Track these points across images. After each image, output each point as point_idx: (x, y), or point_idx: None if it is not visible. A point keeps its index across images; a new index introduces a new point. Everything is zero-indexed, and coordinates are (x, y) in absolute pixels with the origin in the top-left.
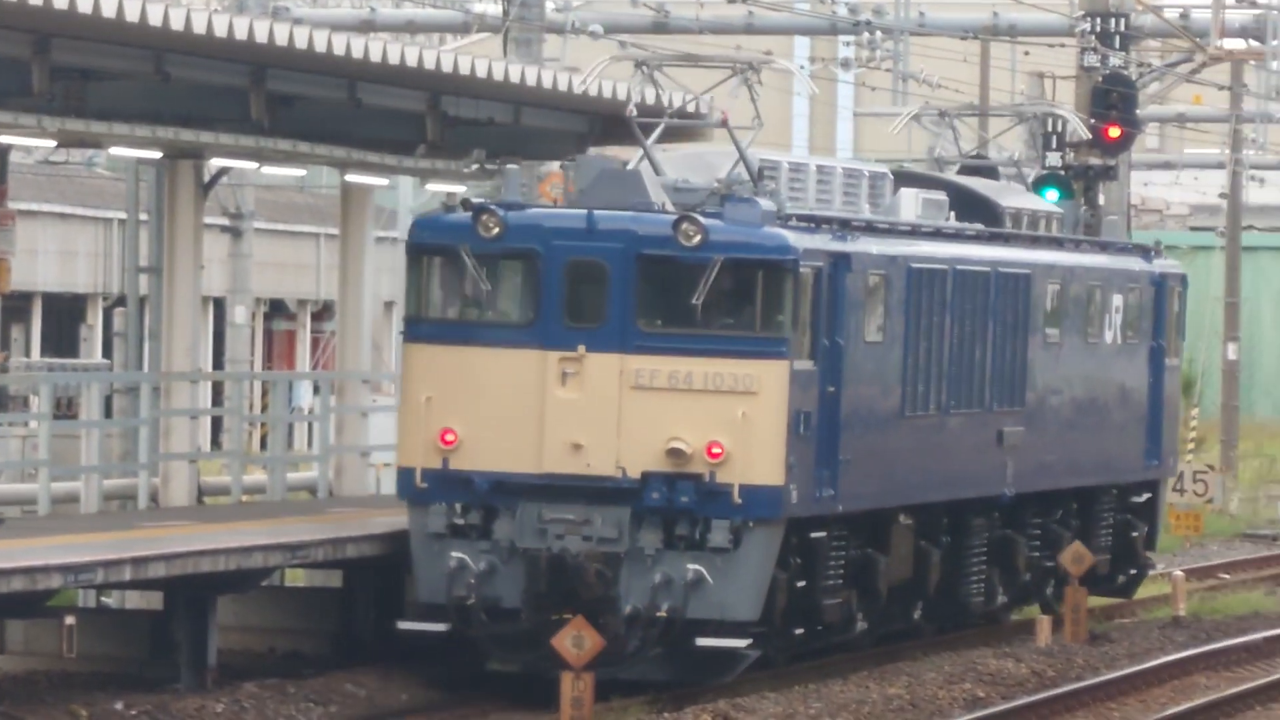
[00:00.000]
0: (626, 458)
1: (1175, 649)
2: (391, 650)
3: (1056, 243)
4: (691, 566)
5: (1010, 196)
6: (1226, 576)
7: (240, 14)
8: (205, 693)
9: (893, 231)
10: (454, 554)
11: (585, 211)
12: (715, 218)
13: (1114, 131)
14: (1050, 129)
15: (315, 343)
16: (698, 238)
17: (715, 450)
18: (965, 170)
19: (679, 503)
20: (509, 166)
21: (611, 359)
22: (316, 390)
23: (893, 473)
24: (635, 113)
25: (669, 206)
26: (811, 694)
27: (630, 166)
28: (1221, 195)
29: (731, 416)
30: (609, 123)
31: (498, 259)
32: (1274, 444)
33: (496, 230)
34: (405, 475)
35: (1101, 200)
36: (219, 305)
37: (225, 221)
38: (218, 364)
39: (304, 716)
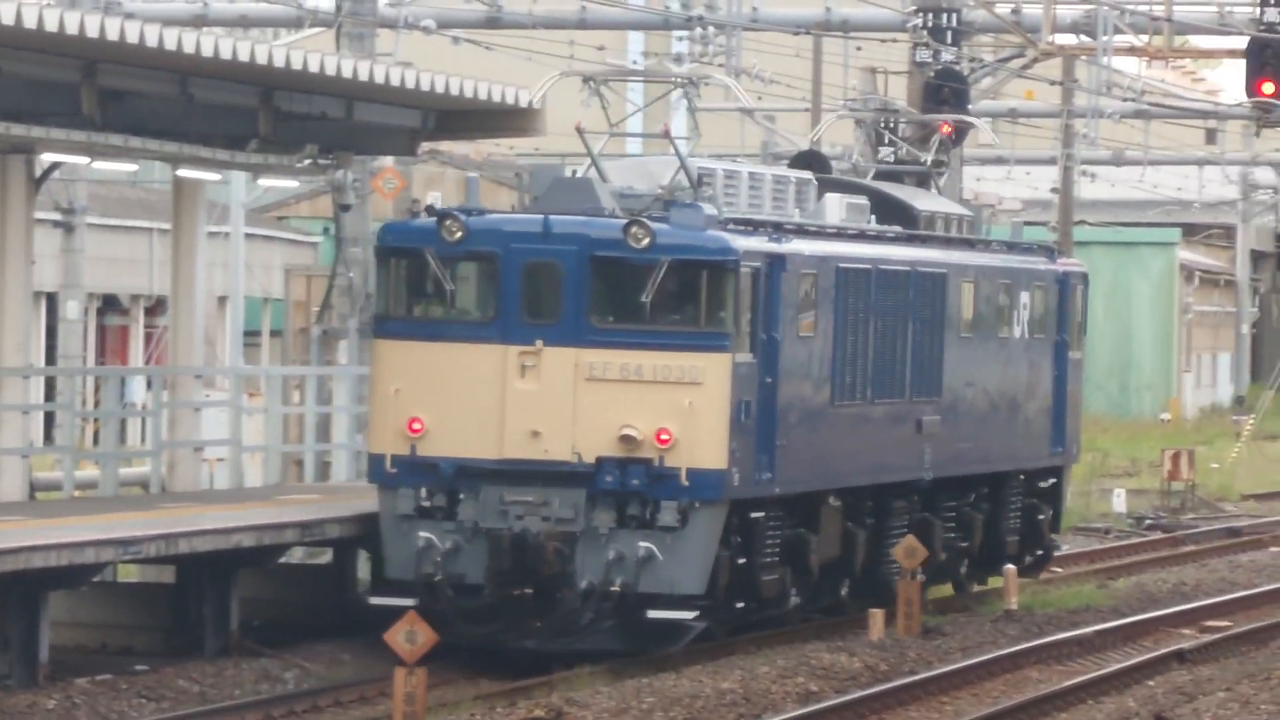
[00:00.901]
0: (581, 444)
1: (1007, 642)
2: (230, 647)
3: (969, 244)
4: (642, 544)
5: (925, 200)
6: (1059, 570)
7: (72, 9)
8: (36, 689)
9: (821, 234)
10: (421, 534)
11: (541, 216)
12: (662, 222)
13: (946, 127)
14: (884, 124)
15: (148, 338)
16: (646, 240)
17: (664, 437)
18: (880, 176)
19: (630, 485)
20: (469, 176)
21: (567, 352)
22: (149, 385)
23: (823, 458)
24: (584, 126)
25: (619, 212)
26: (645, 688)
27: (579, 174)
28: (1053, 190)
29: (679, 405)
30: (442, 118)
31: (460, 261)
32: (1106, 438)
33: (459, 234)
34: (376, 461)
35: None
36: (51, 300)
37: (57, 216)
38: (50, 359)
39: (136, 713)
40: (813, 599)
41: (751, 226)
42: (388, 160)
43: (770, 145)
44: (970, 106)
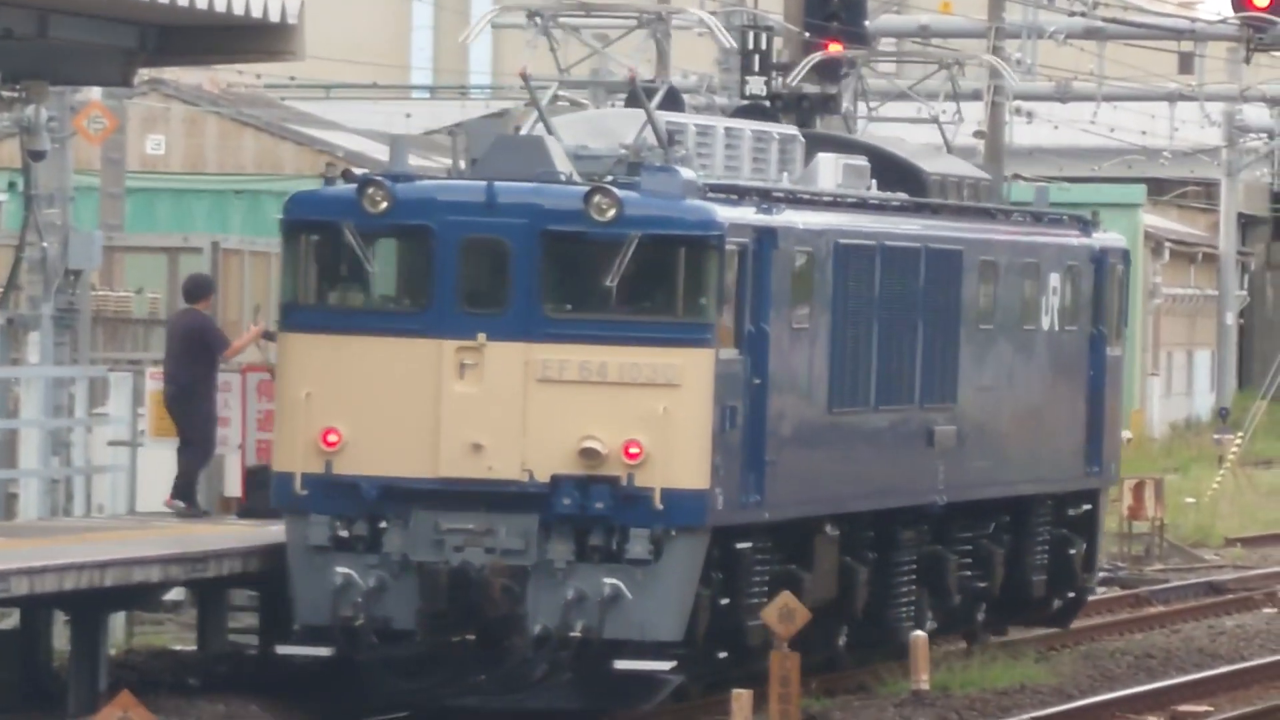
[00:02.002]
0: (533, 459)
1: None
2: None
3: (988, 214)
4: (608, 581)
5: (935, 161)
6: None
7: None
8: None
9: (817, 203)
10: (338, 569)
11: (484, 183)
12: (630, 189)
13: (835, 48)
14: (752, 46)
15: None
16: (612, 212)
17: (633, 450)
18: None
19: (593, 509)
20: (396, 136)
21: (515, 348)
22: None
23: (820, 477)
24: (529, 71)
25: (576, 177)
26: None
27: (524, 132)
28: (977, 134)
29: (651, 412)
30: (165, 35)
31: (385, 237)
32: None
33: (384, 204)
34: (282, 481)
35: None
36: None
37: None
38: None
39: None
40: (804, 650)
41: (736, 194)
42: (94, 93)
43: (603, 73)
44: (868, 23)
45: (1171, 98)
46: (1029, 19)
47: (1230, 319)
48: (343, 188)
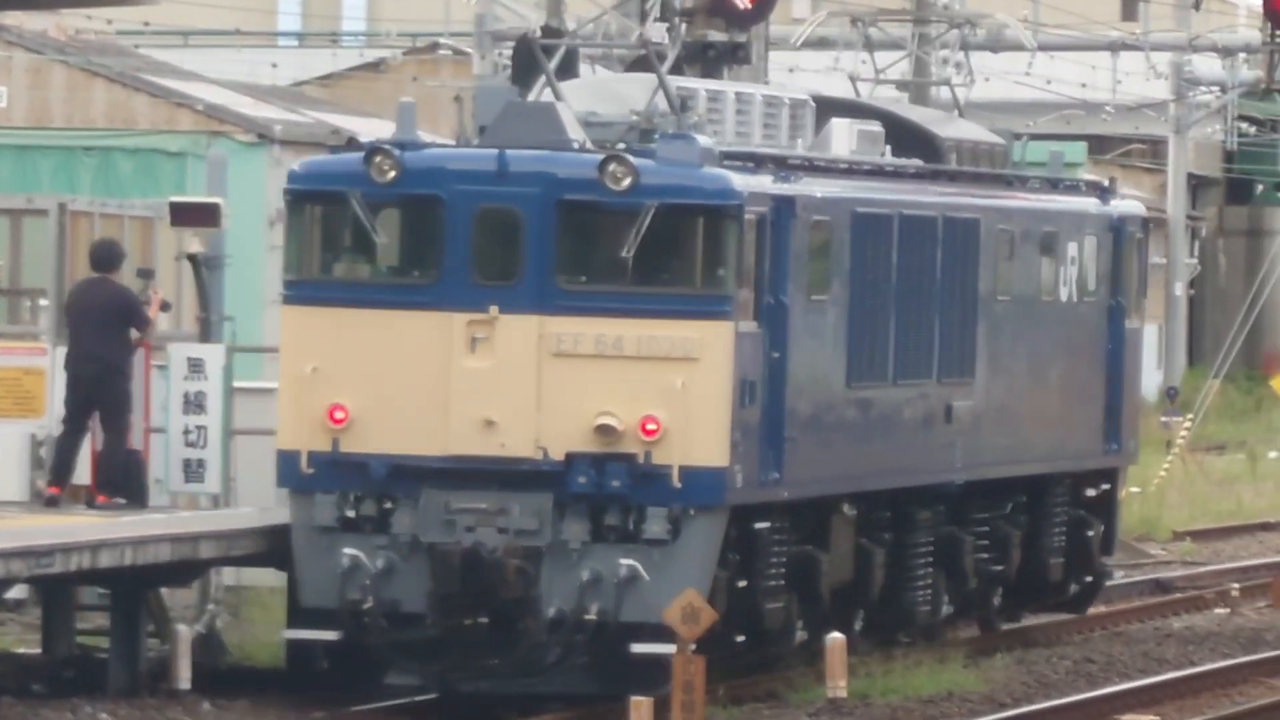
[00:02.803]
0: (547, 436)
1: None
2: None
3: (1005, 181)
4: (624, 562)
5: (949, 126)
6: (905, 640)
7: None
8: None
9: (833, 170)
10: (346, 551)
11: (496, 151)
12: (647, 157)
13: None
14: None
15: None
16: (628, 180)
17: (650, 426)
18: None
19: (609, 488)
20: (403, 102)
21: (528, 321)
22: None
23: (838, 454)
24: (539, 34)
25: (589, 145)
26: None
27: (532, 98)
28: (901, 87)
29: (669, 387)
30: None
31: (394, 207)
32: None
33: (392, 174)
34: (287, 460)
35: None
36: None
37: None
38: None
39: None
40: (820, 633)
41: (753, 162)
42: None
43: (489, 20)
44: None
45: (1114, 47)
46: None
47: (1179, 289)
48: (349, 156)
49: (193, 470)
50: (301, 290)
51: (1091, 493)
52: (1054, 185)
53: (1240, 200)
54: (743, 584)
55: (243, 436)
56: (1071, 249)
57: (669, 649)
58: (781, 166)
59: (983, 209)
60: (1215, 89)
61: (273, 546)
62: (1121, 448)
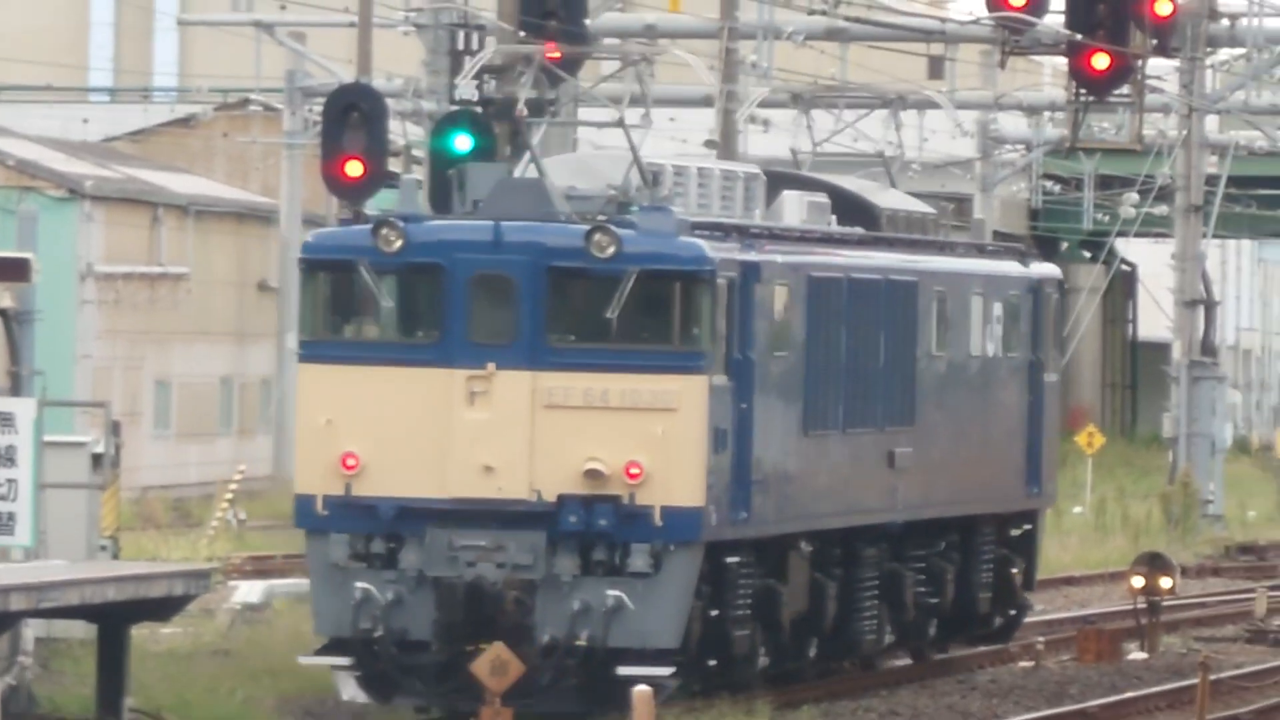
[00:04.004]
0: (540, 480)
1: None
2: None
3: (937, 246)
4: (611, 593)
5: (885, 196)
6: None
7: None
8: None
9: (790, 238)
10: (358, 585)
11: (491, 223)
12: (627, 227)
13: (553, 51)
14: (462, 46)
15: None
16: (612, 249)
17: (634, 470)
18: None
19: (597, 526)
20: (406, 177)
21: (522, 376)
22: None
23: (797, 495)
24: (525, 112)
25: (574, 217)
26: None
27: (517, 173)
28: (709, 144)
29: (650, 435)
30: None
31: (399, 274)
32: None
33: (398, 244)
34: (304, 503)
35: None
36: None
37: None
38: None
39: None
40: (779, 660)
41: (721, 231)
42: None
43: (299, 76)
44: (589, 22)
45: (921, 105)
46: (765, 18)
47: None
48: (357, 228)
49: (3, 523)
50: (316, 350)
51: (1015, 532)
52: (980, 250)
53: (1045, 257)
54: (715, 613)
55: (53, 490)
56: (997, 308)
57: (654, 672)
58: (746, 235)
59: (919, 272)
60: (1020, 147)
61: (83, 599)
62: (1041, 491)
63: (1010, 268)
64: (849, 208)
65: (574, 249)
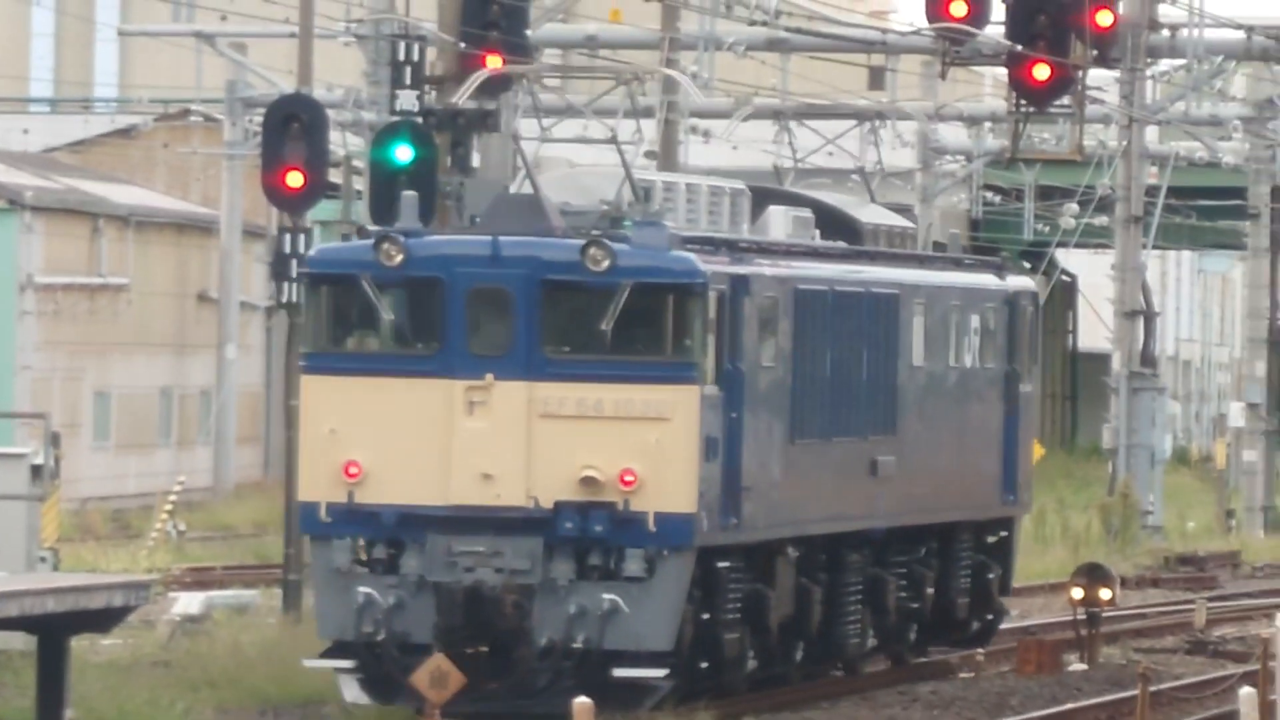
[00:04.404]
0: (537, 487)
1: None
2: None
3: (918, 260)
4: (606, 596)
5: (866, 211)
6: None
7: None
8: None
9: (777, 252)
10: (361, 589)
11: (489, 238)
12: (621, 241)
13: (494, 60)
14: (403, 57)
15: None
16: (606, 262)
17: (628, 478)
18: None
19: (592, 532)
20: (406, 194)
21: (519, 387)
22: None
23: (784, 502)
24: (521, 134)
25: (569, 231)
26: None
27: (513, 190)
28: (649, 154)
29: (644, 443)
30: None
31: (400, 287)
32: None
33: (398, 258)
34: (308, 510)
35: (477, 160)
36: None
37: None
38: None
39: None
40: (767, 664)
41: (712, 245)
42: None
43: (240, 87)
44: (530, 32)
45: (861, 116)
46: (706, 29)
47: None
48: (359, 243)
49: None
50: (319, 361)
51: (991, 539)
52: (957, 263)
53: None
54: (705, 616)
55: None
56: (974, 320)
57: (647, 673)
58: (735, 249)
59: (901, 285)
60: (961, 158)
61: (22, 611)
62: (1017, 499)
63: (987, 280)
64: (832, 222)
65: (570, 263)
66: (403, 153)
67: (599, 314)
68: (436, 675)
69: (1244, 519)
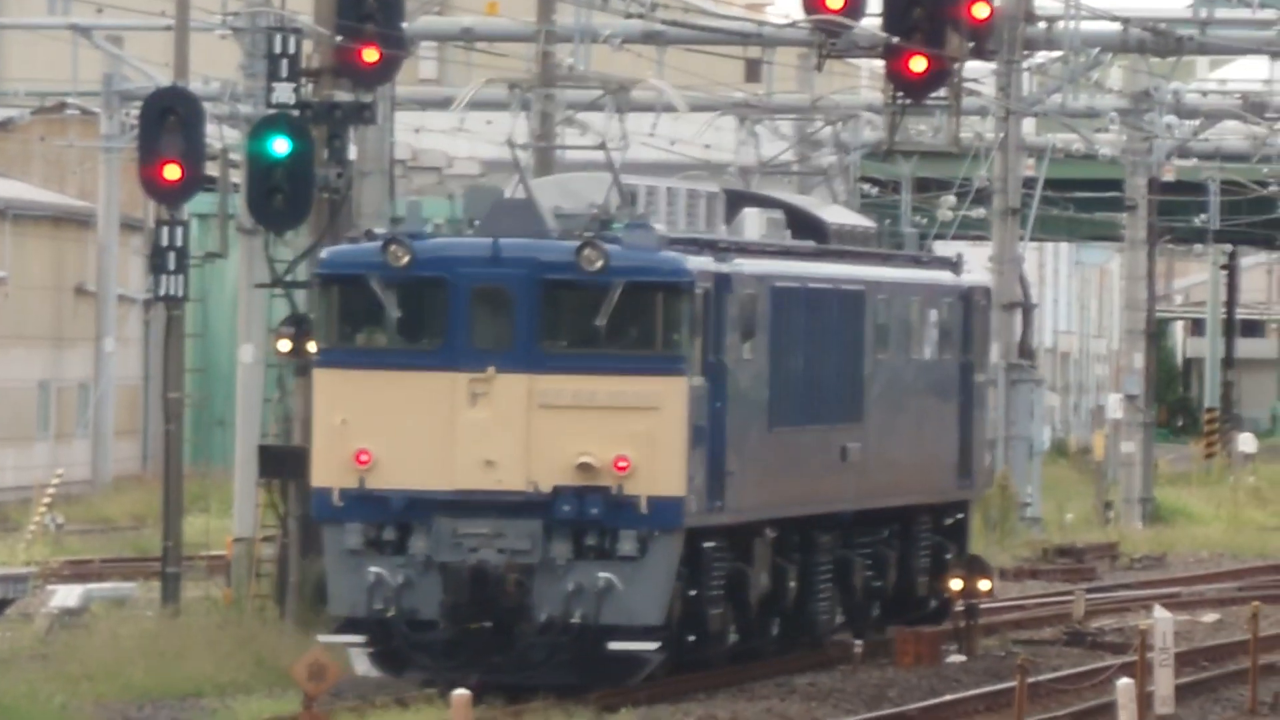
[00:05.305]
0: (537, 473)
1: None
2: None
3: (881, 258)
4: (602, 575)
5: (831, 212)
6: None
7: None
8: None
9: (754, 251)
10: (371, 569)
11: (490, 240)
12: (613, 242)
13: (370, 54)
14: (280, 49)
15: None
16: (600, 262)
17: (622, 464)
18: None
19: (589, 514)
20: (411, 199)
21: (519, 379)
22: None
23: (764, 486)
24: (515, 141)
25: (564, 233)
26: None
27: (508, 194)
28: (522, 147)
29: (636, 431)
30: None
31: (407, 286)
32: None
33: (405, 259)
34: (321, 495)
35: (353, 153)
36: None
37: None
38: None
39: None
40: (746, 638)
41: (696, 246)
42: None
43: (117, 79)
44: (406, 25)
45: (739, 110)
46: (582, 22)
47: None
48: (368, 245)
49: None
50: (331, 356)
51: (948, 521)
52: (917, 261)
53: None
54: (692, 593)
55: None
56: (933, 314)
57: (640, 646)
58: (716, 249)
59: (867, 281)
60: (836, 150)
61: None
62: (973, 483)
63: (944, 277)
64: (801, 223)
65: (566, 263)
66: (279, 145)
67: (593, 311)
68: (315, 668)
69: (1122, 511)
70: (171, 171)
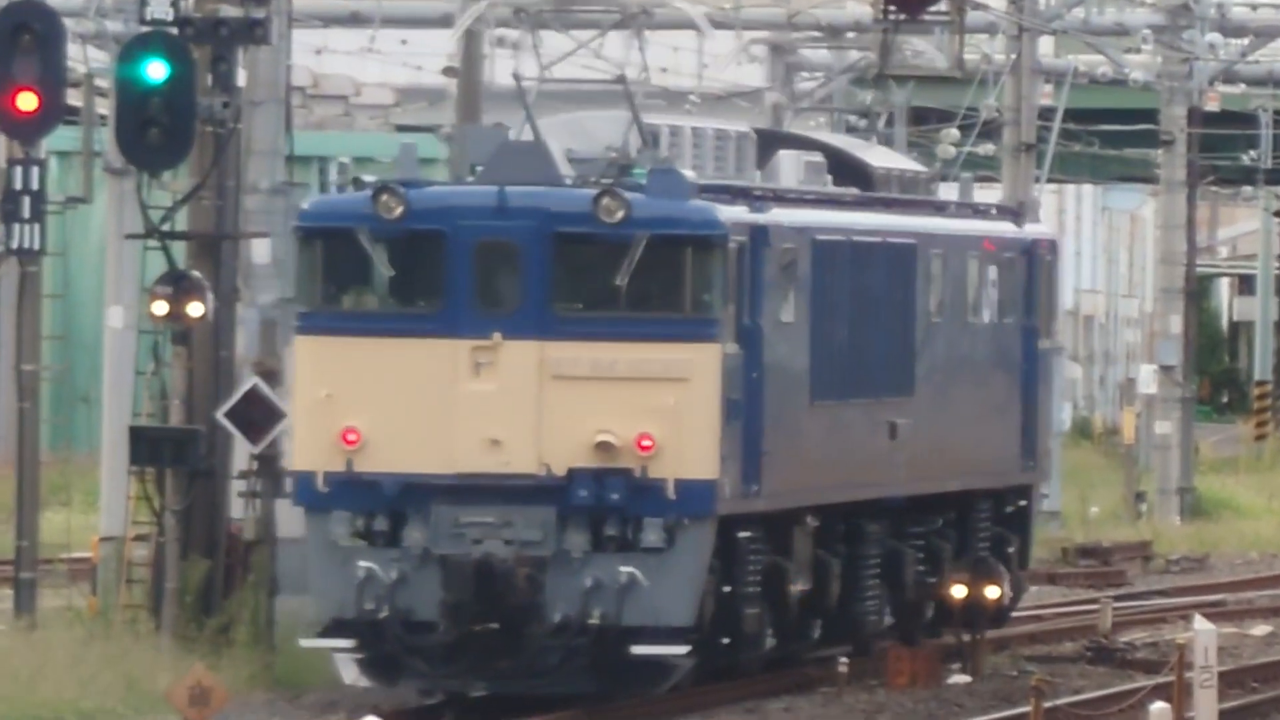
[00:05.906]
0: (549, 453)
1: None
2: None
3: (935, 208)
4: (624, 569)
5: (877, 154)
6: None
7: None
8: None
9: (793, 200)
10: (361, 564)
11: (495, 188)
12: (635, 190)
13: None
14: None
15: None
16: (620, 213)
17: (646, 443)
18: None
19: (608, 500)
20: (405, 143)
21: (529, 346)
22: None
23: (804, 468)
24: (520, 75)
25: (578, 180)
26: None
27: (514, 135)
28: (448, 70)
29: (662, 405)
30: None
31: (400, 242)
32: None
33: (399, 210)
34: (304, 480)
35: (243, 78)
36: None
37: None
38: None
39: None
40: (785, 642)
41: (729, 194)
42: None
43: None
44: None
45: (701, 26)
46: None
47: None
48: (356, 194)
49: None
50: (313, 321)
51: (1010, 509)
52: (974, 210)
53: None
54: (726, 589)
55: None
56: (992, 272)
57: (668, 650)
58: (751, 197)
59: (919, 234)
60: (819, 75)
61: None
62: (1037, 465)
63: (1005, 228)
64: (843, 167)
65: (581, 214)
66: (155, 70)
67: (613, 268)
68: (197, 691)
69: (1156, 503)
70: (27, 100)
